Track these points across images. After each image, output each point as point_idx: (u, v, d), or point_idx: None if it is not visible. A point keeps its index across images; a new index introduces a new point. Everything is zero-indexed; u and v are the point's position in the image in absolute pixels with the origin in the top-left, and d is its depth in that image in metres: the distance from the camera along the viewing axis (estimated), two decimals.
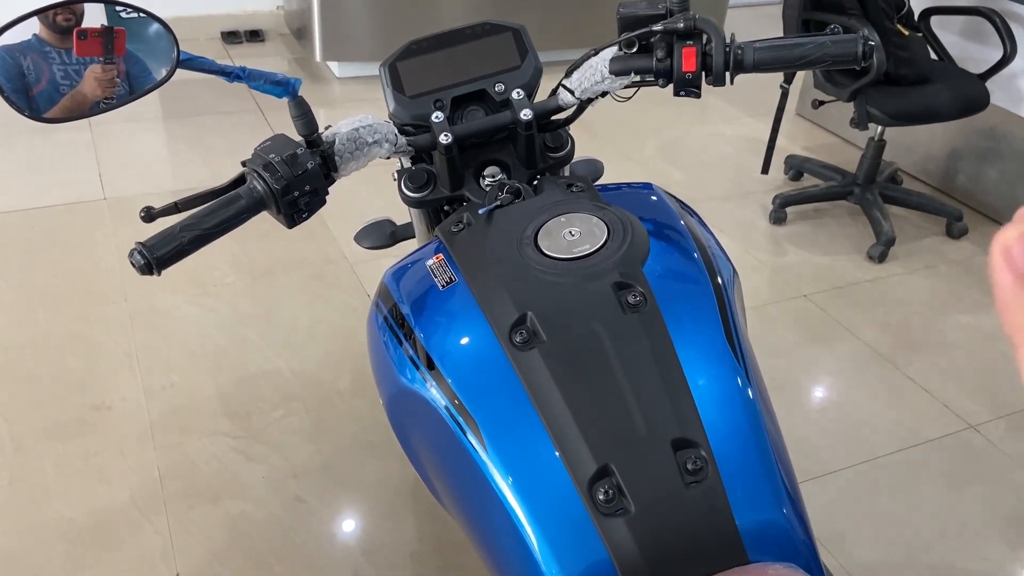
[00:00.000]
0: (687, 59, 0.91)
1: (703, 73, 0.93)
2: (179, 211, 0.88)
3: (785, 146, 3.39)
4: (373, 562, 1.66)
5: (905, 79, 2.60)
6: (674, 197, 1.01)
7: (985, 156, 2.98)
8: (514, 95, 1.03)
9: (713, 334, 0.84)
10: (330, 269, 2.52)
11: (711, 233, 0.99)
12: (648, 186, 1.02)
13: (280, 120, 3.24)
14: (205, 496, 1.78)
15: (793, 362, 2.27)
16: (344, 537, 1.71)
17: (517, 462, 0.78)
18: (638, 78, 0.98)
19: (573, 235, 0.89)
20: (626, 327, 0.81)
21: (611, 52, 0.99)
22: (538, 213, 0.92)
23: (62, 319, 2.25)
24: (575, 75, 1.02)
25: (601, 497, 0.74)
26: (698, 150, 3.41)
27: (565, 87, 1.03)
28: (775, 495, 0.78)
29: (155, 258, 0.80)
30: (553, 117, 1.07)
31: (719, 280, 0.90)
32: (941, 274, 2.68)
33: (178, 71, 0.79)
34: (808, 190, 2.89)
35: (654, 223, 0.93)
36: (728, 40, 0.92)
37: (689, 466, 0.75)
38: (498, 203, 0.95)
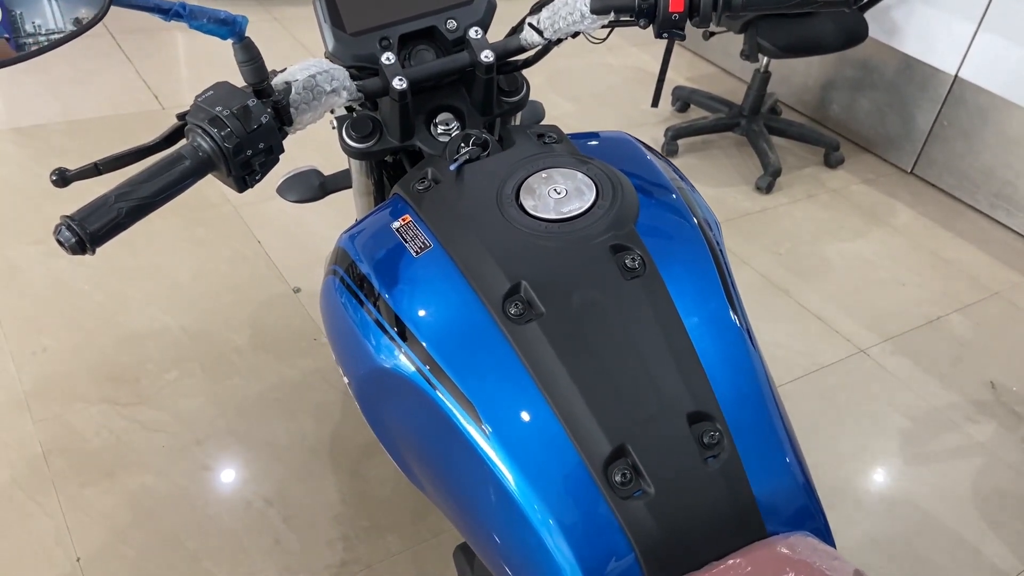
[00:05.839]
0: None
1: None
2: (99, 173, 0.74)
3: (669, 77, 3.39)
4: (295, 528, 1.57)
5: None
6: (648, 146, 0.96)
7: (858, 87, 3.09)
8: (472, 34, 0.94)
9: (714, 295, 0.80)
10: (212, 213, 2.32)
11: (690, 183, 0.94)
12: (621, 135, 0.96)
13: (133, 40, 2.90)
14: (98, 471, 1.62)
15: None
16: (260, 504, 1.61)
17: (523, 446, 0.72)
18: (615, 17, 0.90)
19: (559, 193, 0.82)
20: (628, 294, 0.76)
21: None
22: (516, 168, 0.84)
23: None
24: (544, 12, 0.93)
25: (618, 479, 0.70)
26: (585, 81, 3.36)
27: (532, 26, 0.94)
28: (787, 461, 0.76)
29: (88, 233, 0.67)
30: (511, 58, 0.98)
31: (710, 234, 0.85)
32: (822, 203, 2.79)
33: (112, 8, 0.64)
34: (698, 122, 2.92)
35: (638, 177, 0.87)
36: None
37: (706, 440, 0.72)
38: (467, 157, 0.86)
